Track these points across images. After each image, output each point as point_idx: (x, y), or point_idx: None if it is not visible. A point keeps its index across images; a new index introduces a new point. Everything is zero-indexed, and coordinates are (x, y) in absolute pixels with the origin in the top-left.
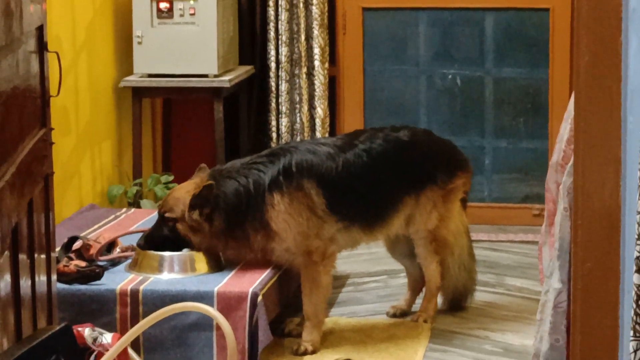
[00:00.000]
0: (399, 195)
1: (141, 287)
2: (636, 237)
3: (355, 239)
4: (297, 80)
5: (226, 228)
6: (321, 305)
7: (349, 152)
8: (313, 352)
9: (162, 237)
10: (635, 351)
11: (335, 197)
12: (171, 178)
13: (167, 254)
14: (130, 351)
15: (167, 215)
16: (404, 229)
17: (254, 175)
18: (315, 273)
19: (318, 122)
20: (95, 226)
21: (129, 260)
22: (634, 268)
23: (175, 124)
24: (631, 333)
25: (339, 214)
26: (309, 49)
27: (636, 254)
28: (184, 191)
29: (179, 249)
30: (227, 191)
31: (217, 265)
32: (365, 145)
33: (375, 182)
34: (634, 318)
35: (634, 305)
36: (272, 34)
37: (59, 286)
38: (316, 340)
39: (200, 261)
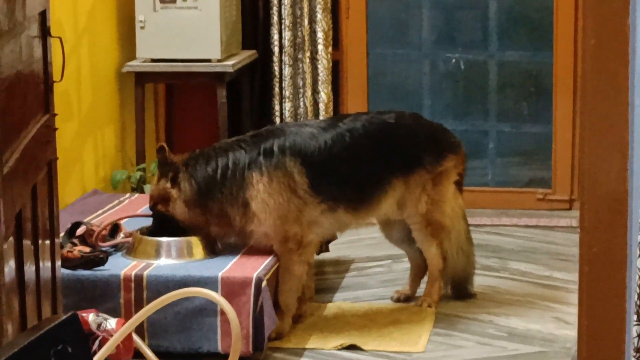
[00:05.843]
0: (386, 177)
1: (145, 273)
2: None
3: (342, 221)
4: (301, 65)
5: (198, 195)
6: (292, 295)
7: (331, 132)
8: (276, 338)
9: (160, 227)
10: (639, 335)
11: (319, 176)
12: None
13: (164, 239)
14: (135, 336)
15: (150, 207)
16: (398, 214)
17: (234, 150)
18: (289, 261)
19: (322, 106)
20: (99, 211)
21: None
22: (638, 253)
23: (178, 109)
24: (634, 318)
25: (323, 194)
26: (312, 33)
27: None
28: (154, 182)
29: (182, 232)
30: (199, 159)
31: (213, 250)
32: (348, 125)
33: (359, 162)
34: (638, 302)
35: (638, 290)
36: (275, 18)
37: (62, 272)
38: (281, 328)
39: (197, 247)
